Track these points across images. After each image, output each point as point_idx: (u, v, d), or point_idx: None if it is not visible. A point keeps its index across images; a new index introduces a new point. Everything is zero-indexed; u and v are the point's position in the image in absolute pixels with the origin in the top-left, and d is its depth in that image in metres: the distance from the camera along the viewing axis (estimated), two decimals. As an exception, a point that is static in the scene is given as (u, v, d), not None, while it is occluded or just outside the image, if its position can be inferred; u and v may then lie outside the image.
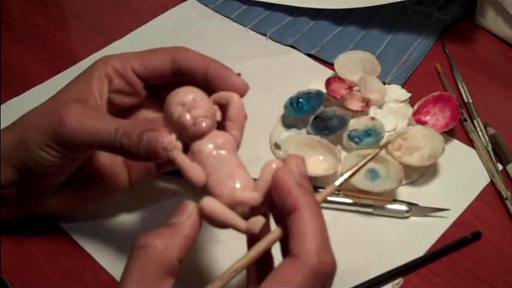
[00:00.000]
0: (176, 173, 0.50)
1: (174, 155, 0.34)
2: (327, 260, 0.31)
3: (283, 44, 0.64)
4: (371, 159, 0.37)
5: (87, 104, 0.40)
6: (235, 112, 0.37)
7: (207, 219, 0.33)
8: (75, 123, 0.38)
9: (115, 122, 0.38)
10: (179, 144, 0.35)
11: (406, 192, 0.49)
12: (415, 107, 0.53)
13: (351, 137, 0.50)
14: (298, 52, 0.63)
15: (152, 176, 0.45)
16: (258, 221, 0.32)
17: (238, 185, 0.34)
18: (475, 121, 0.55)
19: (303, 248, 0.31)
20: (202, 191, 0.34)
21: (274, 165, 0.34)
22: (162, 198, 0.49)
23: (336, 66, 0.57)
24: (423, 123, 0.53)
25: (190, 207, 0.33)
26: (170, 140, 0.35)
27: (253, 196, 0.34)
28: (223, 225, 0.33)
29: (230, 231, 0.33)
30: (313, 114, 0.52)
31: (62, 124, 0.38)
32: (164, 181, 0.50)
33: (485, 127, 0.54)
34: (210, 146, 0.35)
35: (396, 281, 0.43)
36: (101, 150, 0.40)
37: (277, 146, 0.52)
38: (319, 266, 0.30)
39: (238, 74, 0.42)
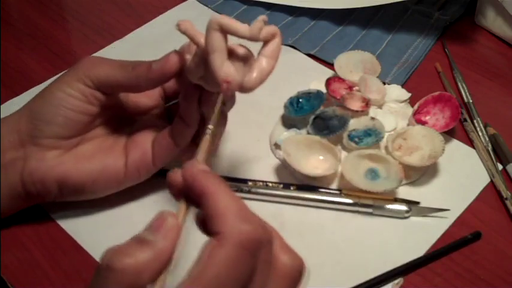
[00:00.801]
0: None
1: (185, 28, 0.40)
2: (251, 228, 0.29)
3: (283, 44, 0.64)
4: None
5: None
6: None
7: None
8: (98, 58, 0.45)
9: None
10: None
11: (406, 192, 0.49)
12: (415, 107, 0.53)
13: (351, 137, 0.50)
14: (298, 52, 0.63)
15: (146, 164, 0.46)
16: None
17: None
18: (475, 121, 0.55)
19: (221, 223, 0.29)
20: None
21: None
22: (162, 197, 0.49)
23: (336, 66, 0.57)
24: (423, 123, 0.53)
25: (170, 222, 0.30)
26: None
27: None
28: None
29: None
30: (313, 114, 0.52)
31: (86, 59, 0.44)
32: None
33: (485, 127, 0.54)
34: None
35: (396, 281, 0.43)
36: (115, 84, 0.43)
37: (277, 146, 0.52)
38: (242, 236, 0.29)
39: None
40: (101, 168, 0.45)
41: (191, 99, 0.44)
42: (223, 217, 0.29)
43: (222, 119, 0.44)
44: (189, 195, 0.31)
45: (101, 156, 0.45)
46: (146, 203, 0.49)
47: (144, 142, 0.46)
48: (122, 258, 0.28)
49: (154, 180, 0.49)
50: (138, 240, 0.29)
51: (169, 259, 0.29)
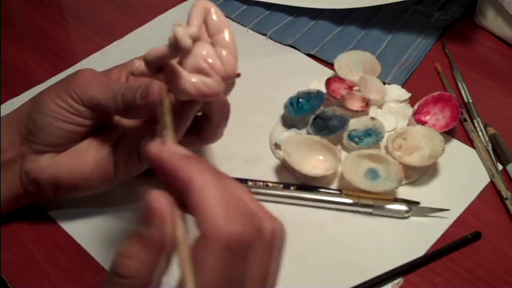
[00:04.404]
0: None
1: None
2: (238, 228, 0.29)
3: (283, 44, 0.64)
4: None
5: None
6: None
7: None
8: (93, 76, 0.43)
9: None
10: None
11: (406, 192, 0.49)
12: (415, 107, 0.53)
13: (351, 137, 0.50)
14: (298, 52, 0.63)
15: (134, 163, 0.44)
16: None
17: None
18: (475, 121, 0.55)
19: (206, 225, 0.29)
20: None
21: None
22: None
23: (336, 66, 0.57)
24: (423, 123, 0.53)
25: (163, 207, 0.30)
26: None
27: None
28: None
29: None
30: (313, 114, 0.52)
31: (82, 73, 0.43)
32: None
33: (485, 127, 0.54)
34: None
35: (396, 281, 0.43)
36: (104, 109, 0.42)
37: (277, 146, 0.52)
38: (228, 239, 0.28)
39: (238, 75, 0.42)
40: (92, 167, 0.44)
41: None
42: (209, 218, 0.29)
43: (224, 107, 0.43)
44: (169, 181, 0.31)
45: (92, 153, 0.44)
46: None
47: (132, 140, 0.44)
48: (128, 262, 0.30)
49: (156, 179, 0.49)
50: (132, 235, 0.30)
51: (169, 247, 0.30)
